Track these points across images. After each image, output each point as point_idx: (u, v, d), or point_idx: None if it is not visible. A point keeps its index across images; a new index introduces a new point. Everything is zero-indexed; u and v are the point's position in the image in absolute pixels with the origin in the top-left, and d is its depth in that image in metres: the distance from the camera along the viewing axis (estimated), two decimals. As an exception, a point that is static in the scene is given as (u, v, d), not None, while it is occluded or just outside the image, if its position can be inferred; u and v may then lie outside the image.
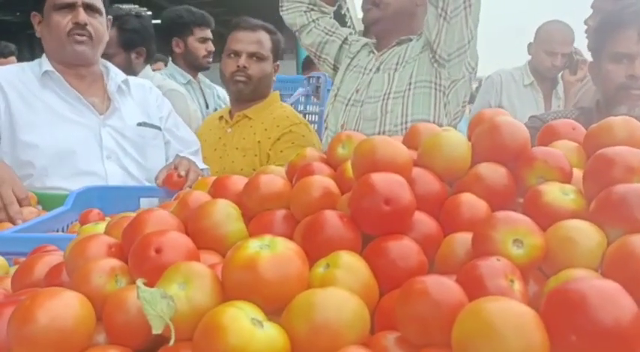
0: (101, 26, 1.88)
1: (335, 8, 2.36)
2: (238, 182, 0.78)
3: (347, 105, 2.11)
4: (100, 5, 1.88)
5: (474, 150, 0.72)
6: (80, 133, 1.86)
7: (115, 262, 0.59)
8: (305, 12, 2.26)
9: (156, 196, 1.82)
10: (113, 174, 1.87)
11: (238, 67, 2.38)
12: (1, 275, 1.06)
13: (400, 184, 0.61)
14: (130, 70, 2.63)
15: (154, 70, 3.06)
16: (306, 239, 0.61)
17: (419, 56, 2.04)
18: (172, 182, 1.68)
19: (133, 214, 0.84)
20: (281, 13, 2.31)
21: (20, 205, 1.60)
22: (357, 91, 2.11)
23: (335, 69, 2.30)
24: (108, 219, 1.60)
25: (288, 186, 0.74)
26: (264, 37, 2.41)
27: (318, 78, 3.41)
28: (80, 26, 1.82)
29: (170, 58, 3.16)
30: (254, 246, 0.53)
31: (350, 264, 0.56)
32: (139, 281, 0.51)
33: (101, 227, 0.83)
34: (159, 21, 3.28)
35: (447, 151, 0.70)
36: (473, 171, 0.69)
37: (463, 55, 1.96)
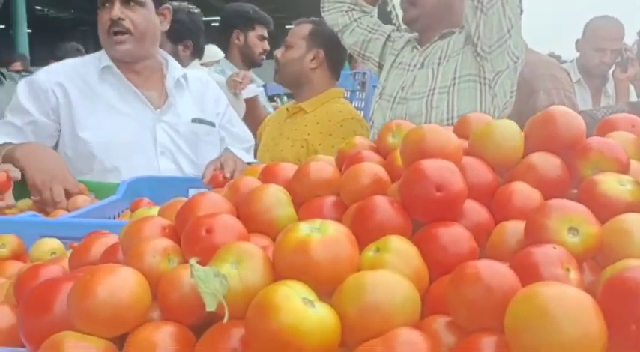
0: (144, 19, 1.85)
1: (376, 7, 2.35)
2: (288, 169, 0.79)
3: (393, 103, 2.10)
4: None
5: (527, 139, 0.70)
6: (136, 128, 1.89)
7: (168, 242, 0.61)
8: (347, 12, 2.25)
9: (204, 188, 1.85)
10: (166, 170, 1.90)
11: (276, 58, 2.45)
12: (58, 257, 1.10)
13: (451, 171, 0.60)
14: (177, 61, 2.70)
15: None
16: (357, 223, 0.61)
17: (462, 50, 2.01)
18: (217, 182, 1.71)
19: (185, 199, 0.86)
20: (322, 14, 2.32)
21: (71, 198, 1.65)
22: (403, 89, 2.09)
23: (380, 67, 2.28)
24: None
25: (337, 174, 0.75)
26: (300, 28, 2.48)
27: (364, 73, 3.41)
28: (115, 23, 1.83)
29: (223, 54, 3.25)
30: (305, 229, 0.54)
31: (400, 249, 0.56)
32: (193, 260, 0.52)
33: (154, 210, 0.85)
34: (210, 18, 3.39)
35: (498, 140, 0.69)
36: (525, 160, 0.68)
37: (504, 45, 1.92)
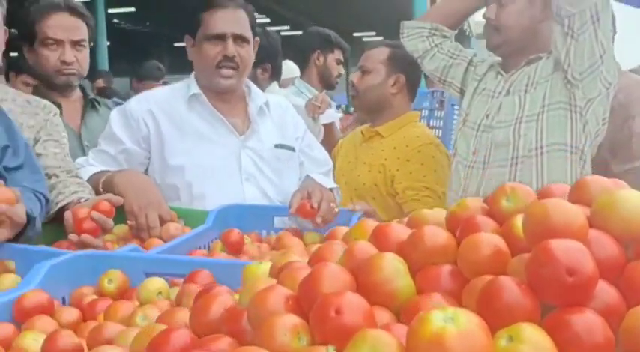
0: (248, 54, 1.96)
1: (457, 32, 2.33)
2: (399, 231, 0.79)
3: (477, 131, 2.06)
4: (249, 34, 1.96)
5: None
6: (222, 155, 1.96)
7: (296, 319, 0.63)
8: (427, 37, 2.24)
9: (287, 216, 1.88)
10: (251, 196, 1.95)
11: (350, 82, 2.47)
12: (164, 298, 1.15)
13: (582, 253, 0.59)
14: (255, 84, 2.77)
15: None
16: (483, 305, 0.60)
17: (551, 76, 1.96)
18: (305, 211, 1.74)
19: (297, 258, 0.88)
20: (402, 40, 2.31)
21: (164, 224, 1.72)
22: (487, 116, 2.05)
23: (461, 92, 2.25)
24: (246, 238, 1.69)
25: (452, 240, 0.74)
26: (378, 51, 2.47)
27: (442, 92, 3.38)
28: (228, 58, 1.90)
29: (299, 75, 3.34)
30: (438, 319, 0.54)
31: (534, 339, 0.55)
32: (331, 349, 0.53)
33: (265, 268, 0.87)
34: (278, 28, 3.58)
35: (624, 211, 0.67)
36: (655, 235, 0.66)
37: (596, 71, 1.86)
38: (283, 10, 18.48)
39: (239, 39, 1.93)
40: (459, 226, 0.77)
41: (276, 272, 0.80)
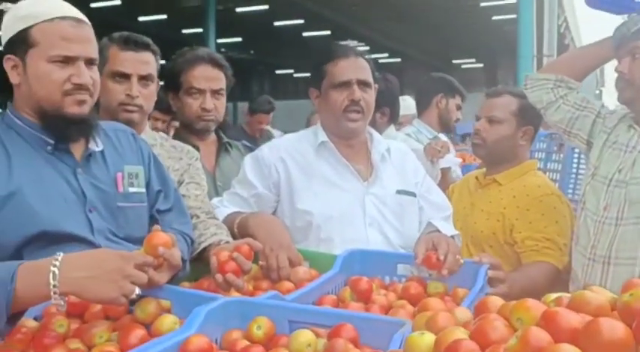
0: (371, 99, 2.05)
1: (582, 83, 2.28)
2: (570, 318, 0.80)
3: (608, 185, 2.00)
4: (371, 79, 2.05)
5: None
6: (347, 200, 2.02)
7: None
8: (552, 89, 2.20)
9: (412, 264, 1.91)
10: (374, 241, 1.99)
11: (475, 130, 2.43)
12: (312, 350, 1.20)
13: None
14: (374, 128, 2.85)
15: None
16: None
17: None
18: (431, 263, 1.76)
19: (459, 333, 0.90)
20: (525, 92, 2.29)
21: (293, 267, 1.80)
22: (620, 171, 1.99)
23: (589, 144, 2.19)
24: (374, 284, 1.72)
25: (629, 333, 0.75)
26: (502, 101, 2.44)
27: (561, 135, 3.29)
28: (355, 103, 1.99)
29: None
30: None
31: None
32: None
33: (428, 341, 0.90)
34: (377, 55, 3.78)
35: None
36: None
37: None
38: (383, 38, 18.67)
39: (363, 84, 2.02)
40: (635, 319, 0.77)
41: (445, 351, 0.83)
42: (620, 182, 1.98)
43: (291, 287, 1.71)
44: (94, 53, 1.50)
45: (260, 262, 1.83)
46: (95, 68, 1.51)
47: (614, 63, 2.08)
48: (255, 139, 4.87)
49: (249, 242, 1.70)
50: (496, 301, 1.04)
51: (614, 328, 0.74)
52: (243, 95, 6.03)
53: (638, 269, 1.86)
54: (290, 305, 1.38)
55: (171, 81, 2.28)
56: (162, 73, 2.06)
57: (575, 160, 3.21)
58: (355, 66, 2.03)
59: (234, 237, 1.85)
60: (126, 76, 1.90)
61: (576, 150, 3.13)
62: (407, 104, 3.76)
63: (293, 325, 1.32)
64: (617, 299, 0.87)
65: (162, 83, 2.13)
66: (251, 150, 2.36)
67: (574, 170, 3.21)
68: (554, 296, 0.97)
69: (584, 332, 0.76)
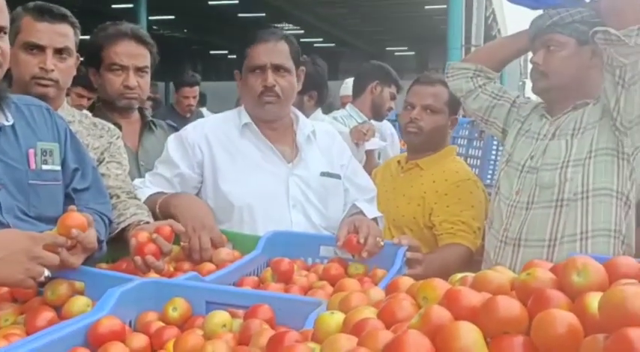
0: (289, 84, 2.03)
1: (500, 73, 2.37)
2: (470, 296, 0.84)
3: (521, 171, 2.09)
4: (289, 64, 2.03)
5: None
6: (271, 182, 2.03)
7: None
8: (471, 78, 2.28)
9: (334, 246, 1.94)
10: (298, 222, 2.01)
11: (411, 118, 2.46)
12: (228, 331, 1.20)
13: (660, 345, 0.63)
14: (301, 111, 2.86)
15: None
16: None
17: (598, 123, 1.99)
18: (352, 246, 1.80)
19: (368, 312, 0.93)
20: (446, 80, 2.35)
21: (215, 248, 1.79)
22: (532, 158, 2.09)
23: (504, 132, 2.29)
24: (295, 265, 1.74)
25: (524, 311, 0.79)
26: (440, 90, 2.47)
27: (483, 123, 3.41)
28: (268, 88, 1.98)
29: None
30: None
31: None
32: None
33: (338, 320, 0.92)
34: (312, 39, 3.78)
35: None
36: None
37: None
38: (318, 22, 18.63)
39: (279, 69, 2.01)
40: (530, 297, 0.81)
41: (353, 329, 0.85)
42: (531, 168, 2.07)
43: (212, 268, 1.71)
44: (4, 21, 1.42)
45: (182, 243, 1.81)
46: (5, 37, 1.44)
47: None
48: (186, 120, 4.78)
49: (170, 223, 1.67)
50: (407, 281, 1.08)
51: (510, 306, 0.78)
52: (176, 75, 5.89)
53: (546, 251, 1.96)
54: (207, 285, 1.37)
55: (92, 56, 2.20)
56: (83, 47, 1.98)
57: (495, 148, 3.33)
58: (272, 50, 2.01)
59: (156, 219, 1.82)
60: (40, 48, 1.81)
61: (495, 138, 3.25)
62: (347, 86, 3.83)
63: (210, 306, 1.31)
64: (516, 279, 0.91)
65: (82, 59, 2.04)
66: (175, 129, 2.32)
67: (493, 157, 3.34)
68: (460, 275, 1.01)
69: (482, 310, 0.79)
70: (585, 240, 1.95)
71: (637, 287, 0.71)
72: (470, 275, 0.99)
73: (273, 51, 2.01)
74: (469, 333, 0.74)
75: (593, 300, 0.75)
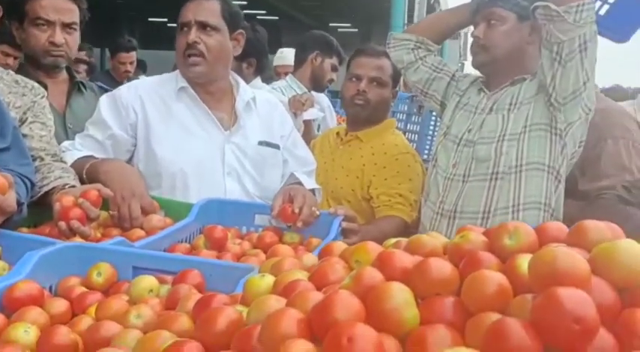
0: (217, 43, 1.94)
1: (440, 46, 2.37)
2: (404, 259, 0.83)
3: (458, 144, 2.11)
4: (217, 22, 1.93)
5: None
6: (206, 148, 1.96)
7: (309, 346, 0.65)
8: (412, 49, 2.28)
9: (269, 215, 1.90)
10: (232, 191, 1.96)
11: (358, 90, 2.44)
12: (154, 296, 1.15)
13: (588, 303, 0.63)
14: (239, 78, 2.80)
15: None
16: (490, 346, 0.64)
17: (534, 98, 2.03)
18: (286, 215, 1.77)
19: (300, 274, 0.90)
20: (388, 50, 2.35)
21: (146, 215, 1.72)
22: (469, 131, 2.11)
23: (442, 106, 2.30)
24: (228, 234, 1.70)
25: (456, 272, 0.78)
26: (385, 63, 2.45)
27: (422, 99, 3.43)
28: (190, 46, 1.90)
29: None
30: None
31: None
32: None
33: (267, 282, 0.89)
34: (255, 11, 3.69)
35: (624, 261, 0.72)
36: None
37: (579, 97, 1.94)
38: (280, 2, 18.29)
39: (204, 26, 1.92)
40: (463, 259, 0.80)
41: (282, 291, 0.83)
42: (469, 141, 2.09)
43: (142, 235, 1.64)
44: None
45: (111, 211, 1.74)
46: None
47: None
48: (122, 86, 4.60)
49: (97, 187, 1.60)
50: (340, 245, 1.06)
51: (442, 267, 0.77)
52: (113, 41, 5.65)
53: (479, 223, 1.99)
54: (134, 250, 1.32)
55: (15, 8, 2.05)
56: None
57: (432, 123, 3.37)
58: (198, 7, 1.93)
59: (83, 184, 1.73)
60: None
61: (434, 114, 3.27)
62: (289, 55, 3.74)
63: (138, 271, 1.26)
64: (449, 242, 0.90)
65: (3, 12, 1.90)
66: (107, 91, 2.20)
67: (430, 132, 3.37)
68: (394, 240, 1.00)
69: (414, 271, 0.78)
70: (517, 213, 1.99)
71: (567, 248, 0.71)
72: (404, 240, 0.98)
73: (199, 8, 1.92)
74: (400, 293, 0.73)
75: (524, 261, 0.75)
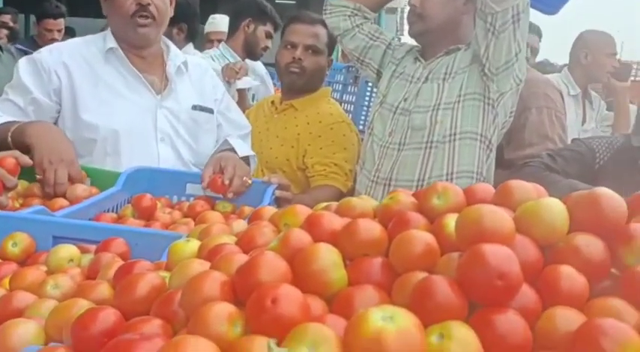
0: (165, 5, 1.88)
1: (377, 14, 2.36)
2: (332, 220, 0.81)
3: (394, 113, 2.12)
4: None
5: (572, 219, 0.74)
6: (137, 113, 1.89)
7: (231, 308, 0.62)
8: (349, 16, 2.25)
9: (201, 184, 1.85)
10: (166, 157, 1.90)
11: (294, 58, 2.39)
12: (75, 266, 1.10)
13: (512, 260, 0.63)
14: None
15: None
16: (416, 303, 0.63)
17: (468, 68, 2.05)
18: (217, 186, 1.73)
19: (227, 238, 0.87)
20: (324, 17, 2.32)
21: (72, 183, 1.65)
22: (405, 100, 2.11)
23: (378, 74, 2.30)
24: (158, 203, 1.65)
25: (384, 233, 0.77)
26: (321, 31, 2.42)
27: (358, 69, 3.41)
28: (143, 7, 1.82)
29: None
30: (377, 318, 0.56)
31: (463, 337, 0.58)
32: (272, 342, 0.54)
33: (193, 247, 0.86)
34: None
35: (546, 219, 0.72)
36: (571, 242, 0.72)
37: (511, 68, 1.97)
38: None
39: None
40: (391, 220, 0.79)
41: (207, 255, 0.80)
42: (404, 110, 2.09)
43: (65, 204, 1.57)
44: None
45: (37, 176, 1.65)
46: None
47: None
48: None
49: (15, 154, 1.51)
50: (270, 210, 1.03)
51: (370, 228, 0.76)
52: (40, 6, 5.33)
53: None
54: (54, 219, 1.25)
55: None
56: None
57: (368, 94, 3.36)
58: None
59: (8, 149, 1.63)
60: None
61: (369, 84, 3.27)
62: (222, 22, 3.60)
63: (58, 241, 1.20)
64: (379, 204, 0.89)
65: None
66: (26, 54, 2.07)
67: (366, 102, 3.37)
68: (324, 204, 0.98)
69: (342, 233, 0.77)
70: (451, 181, 2.01)
71: (492, 207, 0.71)
72: (334, 203, 0.96)
73: None
74: (327, 255, 0.71)
75: (451, 221, 0.75)
